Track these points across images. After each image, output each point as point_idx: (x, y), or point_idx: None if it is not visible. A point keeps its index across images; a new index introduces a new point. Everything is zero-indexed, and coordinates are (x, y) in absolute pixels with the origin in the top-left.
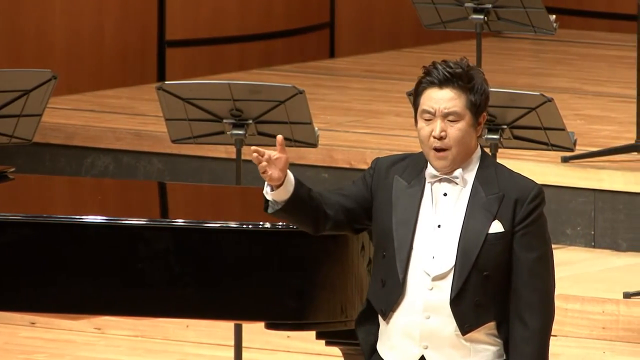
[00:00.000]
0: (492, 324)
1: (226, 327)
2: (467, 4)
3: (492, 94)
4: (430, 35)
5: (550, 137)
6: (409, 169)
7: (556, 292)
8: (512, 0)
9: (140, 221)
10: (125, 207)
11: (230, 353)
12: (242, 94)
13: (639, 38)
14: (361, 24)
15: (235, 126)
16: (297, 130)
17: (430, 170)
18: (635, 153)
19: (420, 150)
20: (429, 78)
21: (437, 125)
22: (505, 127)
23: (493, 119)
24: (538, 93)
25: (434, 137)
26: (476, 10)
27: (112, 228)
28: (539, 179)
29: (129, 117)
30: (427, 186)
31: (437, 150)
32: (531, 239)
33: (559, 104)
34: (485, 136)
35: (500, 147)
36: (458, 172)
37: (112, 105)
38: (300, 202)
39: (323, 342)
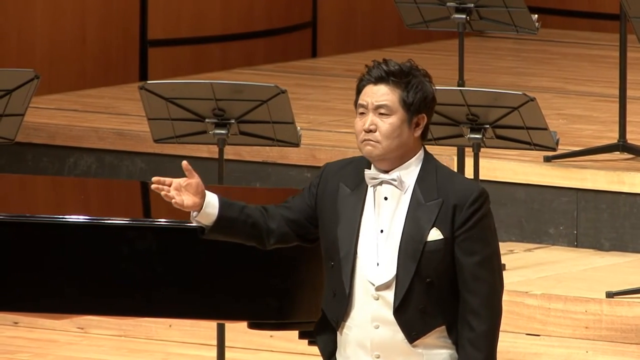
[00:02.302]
0: (442, 328)
1: (209, 327)
2: (449, 4)
3: (474, 94)
4: (413, 34)
5: (532, 137)
6: (353, 174)
7: (539, 292)
8: None
9: (123, 221)
10: (108, 206)
11: (213, 353)
12: (224, 94)
13: (621, 37)
14: (343, 23)
15: (218, 126)
16: (279, 129)
17: (368, 172)
18: (618, 152)
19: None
20: (367, 76)
21: (368, 118)
22: (487, 126)
23: (476, 118)
24: (520, 92)
25: (364, 130)
26: (458, 10)
27: (95, 228)
28: (522, 179)
29: (112, 117)
30: (370, 190)
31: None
32: (472, 244)
33: (541, 103)
34: (468, 136)
35: (483, 147)
36: (395, 174)
37: (94, 104)
38: (230, 222)
39: (306, 341)
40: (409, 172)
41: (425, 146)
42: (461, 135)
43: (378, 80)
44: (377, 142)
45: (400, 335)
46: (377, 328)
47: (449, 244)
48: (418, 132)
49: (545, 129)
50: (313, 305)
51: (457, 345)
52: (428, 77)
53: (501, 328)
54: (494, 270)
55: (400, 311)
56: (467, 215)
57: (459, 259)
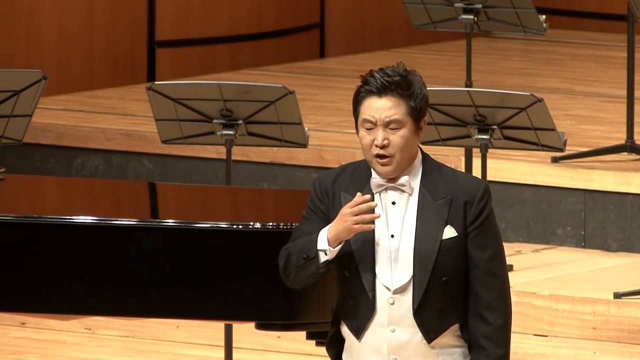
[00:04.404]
0: (456, 327)
1: (216, 328)
2: (457, 4)
3: (482, 94)
4: (421, 35)
5: (540, 138)
6: (353, 181)
7: (547, 293)
8: (502, 0)
9: (131, 221)
10: (116, 207)
11: (221, 353)
12: (232, 94)
13: (629, 38)
14: (351, 24)
15: (226, 126)
16: (287, 130)
17: (375, 180)
18: (626, 153)
19: (361, 158)
20: (367, 87)
21: (380, 134)
22: (495, 127)
23: (483, 119)
24: (528, 93)
25: (377, 146)
26: (466, 11)
27: (103, 228)
28: (529, 180)
29: (119, 118)
30: (376, 197)
31: (380, 157)
32: (484, 238)
33: (549, 104)
34: (476, 136)
35: (491, 148)
36: (404, 180)
37: (102, 105)
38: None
39: (313, 342)
40: (414, 175)
41: (424, 146)
42: (469, 136)
43: (382, 92)
44: (391, 156)
45: (418, 337)
46: (394, 332)
47: (462, 240)
48: (421, 136)
49: (553, 129)
50: (321, 306)
51: (469, 343)
52: (420, 76)
53: None
54: (503, 263)
55: (420, 312)
56: (478, 210)
57: (473, 254)
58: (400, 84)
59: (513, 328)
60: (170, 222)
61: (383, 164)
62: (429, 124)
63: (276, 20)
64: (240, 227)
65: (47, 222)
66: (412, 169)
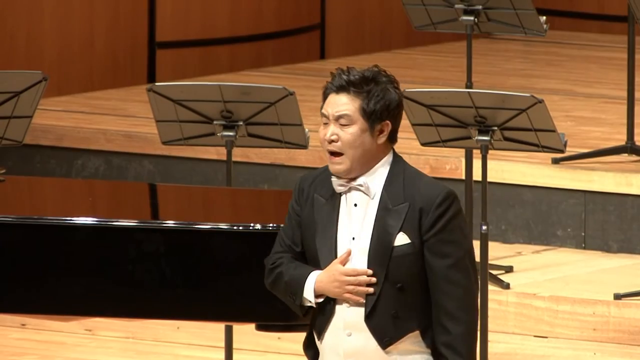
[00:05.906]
0: (416, 333)
1: (217, 329)
2: (457, 6)
3: (483, 95)
4: (421, 36)
5: (540, 139)
6: (327, 183)
7: (547, 294)
8: (503, 1)
9: (131, 223)
10: (116, 208)
11: (221, 354)
12: (232, 96)
13: (629, 39)
14: (351, 25)
15: (226, 128)
16: (287, 131)
17: (335, 180)
18: (626, 154)
19: None
20: (330, 84)
21: (330, 129)
22: (495, 128)
23: (484, 120)
24: (528, 94)
25: (326, 140)
26: (466, 12)
27: (103, 229)
28: (530, 181)
29: (120, 119)
30: (342, 198)
31: (331, 154)
32: (442, 246)
33: (549, 105)
34: (476, 137)
35: (491, 149)
36: (362, 180)
37: (102, 106)
38: None
39: None
40: (375, 178)
41: (425, 148)
42: (469, 137)
43: (339, 90)
44: (341, 152)
45: (373, 342)
46: (350, 335)
47: (418, 248)
48: (382, 139)
49: (554, 130)
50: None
51: (432, 350)
52: (394, 82)
53: (509, 330)
54: (468, 270)
55: (371, 317)
56: (434, 218)
57: (430, 262)
58: (356, 84)
59: (513, 329)
60: (170, 223)
61: (334, 162)
62: (429, 125)
63: (276, 21)
64: (240, 228)
65: (48, 224)
66: (375, 171)
